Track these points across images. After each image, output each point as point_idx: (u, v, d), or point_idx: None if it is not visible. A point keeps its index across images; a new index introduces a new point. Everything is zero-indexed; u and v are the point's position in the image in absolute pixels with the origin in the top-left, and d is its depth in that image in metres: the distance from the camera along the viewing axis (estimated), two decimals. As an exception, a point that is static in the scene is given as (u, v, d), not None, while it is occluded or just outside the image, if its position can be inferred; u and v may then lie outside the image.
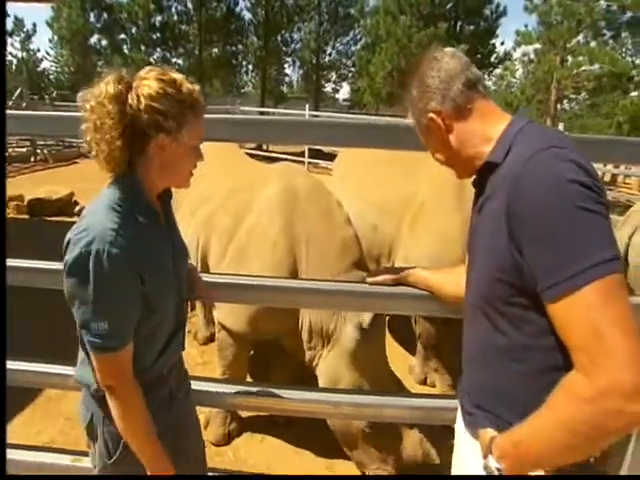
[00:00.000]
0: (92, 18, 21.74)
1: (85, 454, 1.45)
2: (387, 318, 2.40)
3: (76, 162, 10.96)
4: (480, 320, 0.91)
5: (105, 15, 21.41)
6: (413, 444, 1.96)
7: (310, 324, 2.07)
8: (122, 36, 21.56)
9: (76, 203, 6.84)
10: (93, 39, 22.37)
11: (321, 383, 2.06)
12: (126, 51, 21.27)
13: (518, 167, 0.78)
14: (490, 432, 0.85)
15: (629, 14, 16.32)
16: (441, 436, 1.81)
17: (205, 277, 1.39)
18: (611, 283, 0.69)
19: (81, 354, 1.05)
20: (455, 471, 1.07)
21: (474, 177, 0.97)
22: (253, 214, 2.31)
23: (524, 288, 0.79)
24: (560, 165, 0.74)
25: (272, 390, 1.52)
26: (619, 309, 0.69)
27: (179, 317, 1.11)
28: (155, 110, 0.91)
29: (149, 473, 1.00)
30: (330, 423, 2.03)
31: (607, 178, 11.75)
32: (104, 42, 22.22)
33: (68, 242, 0.91)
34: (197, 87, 0.98)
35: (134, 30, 20.96)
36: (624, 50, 16.90)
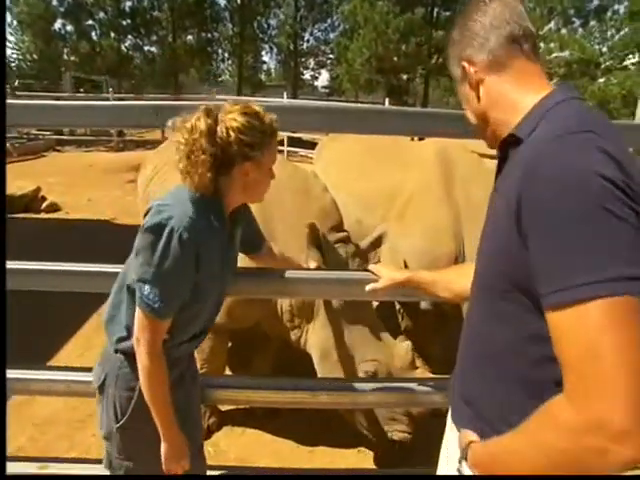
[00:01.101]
0: (55, 2, 20.59)
1: (53, 460, 1.44)
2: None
3: (43, 155, 10.43)
4: (477, 310, 0.86)
5: (69, -1, 20.41)
6: (401, 356, 1.96)
7: (291, 305, 2.07)
8: (89, 22, 20.64)
9: (43, 199, 6.52)
10: (57, 24, 21.26)
11: (315, 357, 2.06)
12: (95, 37, 20.41)
13: (540, 147, 0.67)
14: (470, 435, 0.82)
15: (596, 2, 16.70)
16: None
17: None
18: (623, 305, 0.58)
19: (114, 304, 1.15)
20: (442, 458, 1.05)
21: (497, 151, 0.88)
22: None
23: (521, 284, 0.72)
24: (589, 154, 0.62)
25: (250, 381, 1.53)
26: (627, 338, 0.58)
27: (213, 315, 1.24)
28: (243, 142, 1.03)
29: (162, 437, 1.09)
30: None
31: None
32: (69, 27, 21.18)
33: (150, 208, 1.04)
34: (275, 116, 1.10)
35: (102, 15, 20.12)
36: (592, 38, 17.31)
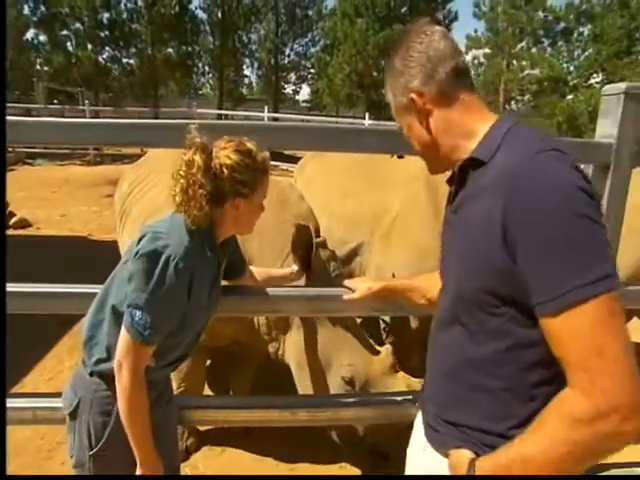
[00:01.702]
0: (27, 11, 20.03)
1: None
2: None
3: (13, 169, 9.98)
4: (455, 331, 0.85)
5: (42, 8, 19.84)
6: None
7: (267, 318, 2.07)
8: (64, 32, 20.28)
9: (12, 214, 6.25)
10: (29, 34, 20.77)
11: (293, 366, 2.05)
12: (70, 49, 20.05)
13: (517, 167, 0.71)
14: (466, 453, 0.81)
15: (562, 24, 17.65)
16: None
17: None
18: (614, 299, 0.66)
19: (94, 324, 1.13)
20: None
21: (451, 174, 0.91)
22: None
23: (511, 298, 0.74)
24: (566, 169, 0.70)
25: (226, 401, 1.51)
26: (619, 327, 0.67)
27: (193, 342, 1.26)
28: (236, 180, 1.07)
29: (138, 462, 1.07)
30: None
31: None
32: (42, 37, 20.71)
33: (144, 234, 1.06)
34: (267, 154, 1.14)
35: (78, 26, 19.83)
36: (561, 57, 18.19)
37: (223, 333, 2.15)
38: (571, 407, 0.67)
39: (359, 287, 1.32)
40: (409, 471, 1.04)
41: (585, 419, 0.65)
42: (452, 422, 0.86)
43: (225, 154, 1.07)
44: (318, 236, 2.21)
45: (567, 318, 0.66)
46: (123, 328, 1.04)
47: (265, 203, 2.32)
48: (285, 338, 2.07)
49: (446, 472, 0.86)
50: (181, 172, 1.06)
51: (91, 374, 1.11)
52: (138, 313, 1.01)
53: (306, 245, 1.74)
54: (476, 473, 0.77)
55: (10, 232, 5.98)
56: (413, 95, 0.85)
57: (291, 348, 2.05)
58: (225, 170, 1.06)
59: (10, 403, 1.27)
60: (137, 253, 1.03)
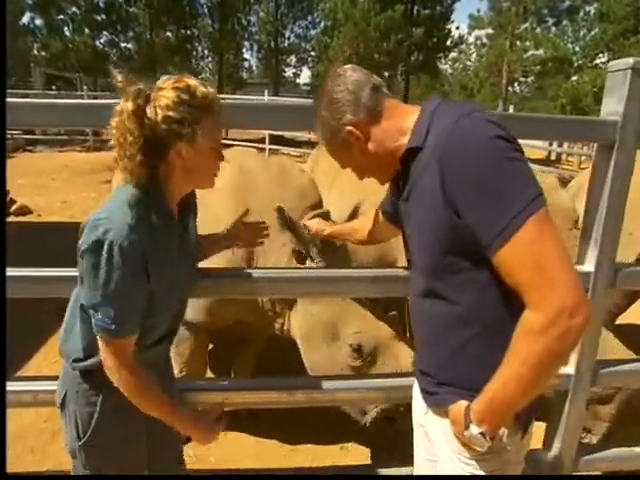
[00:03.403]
0: (22, -7, 19.76)
1: (24, 476, 1.38)
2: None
3: (12, 156, 9.82)
4: (430, 300, 0.94)
5: (37, -10, 19.56)
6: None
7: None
8: (61, 17, 19.92)
9: (12, 201, 6.21)
10: (25, 18, 20.44)
11: (299, 340, 2.03)
12: (67, 33, 19.75)
13: (444, 135, 0.82)
14: (463, 403, 0.88)
15: (567, 2, 17.19)
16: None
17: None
18: (542, 216, 0.76)
19: (68, 325, 1.09)
20: (421, 453, 1.10)
21: (396, 170, 0.99)
22: (205, 203, 2.25)
23: (466, 252, 0.83)
24: (484, 125, 0.81)
25: (226, 384, 1.52)
26: (553, 238, 0.76)
27: (175, 320, 1.17)
28: (172, 119, 0.94)
29: (180, 428, 1.09)
30: (311, 371, 2.00)
31: (553, 156, 12.43)
32: (38, 22, 20.35)
33: (85, 225, 0.96)
34: (212, 90, 1.02)
35: (75, 10, 19.47)
36: (565, 37, 17.81)
37: (225, 314, 2.14)
38: (528, 324, 0.77)
39: (316, 228, 1.57)
40: (415, 434, 1.13)
41: (540, 330, 0.75)
42: (445, 382, 0.94)
43: (162, 94, 0.95)
44: (321, 205, 2.21)
45: (510, 248, 0.76)
46: (97, 335, 0.98)
47: (263, 178, 2.25)
48: (290, 313, 2.05)
49: (443, 434, 0.95)
50: (112, 123, 0.96)
51: (73, 368, 1.07)
52: (99, 312, 0.95)
53: (290, 225, 1.75)
54: (471, 416, 0.85)
55: (11, 219, 5.94)
56: (348, 127, 0.94)
57: (296, 322, 2.03)
58: (160, 111, 0.94)
59: (10, 386, 1.28)
60: (79, 250, 0.95)
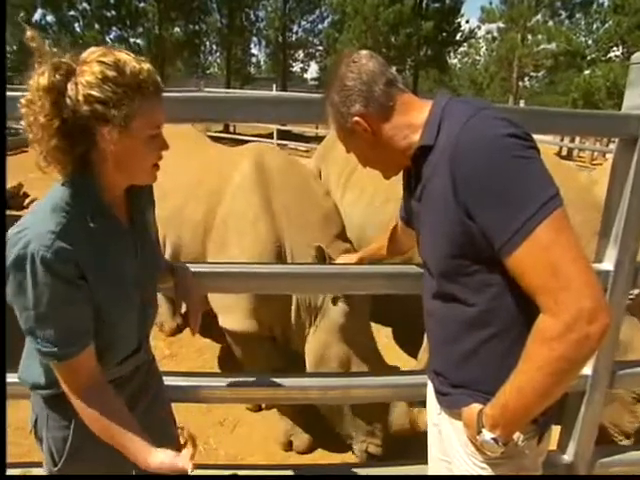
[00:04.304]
0: (33, -10, 19.90)
1: (36, 465, 1.39)
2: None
3: (24, 151, 10.09)
4: (444, 302, 0.92)
5: (49, -13, 19.68)
6: (400, 413, 1.98)
7: (297, 302, 2.06)
8: (72, 13, 20.03)
9: (26, 195, 6.42)
10: (37, 15, 20.51)
11: (309, 361, 2.05)
12: (78, 29, 19.86)
13: (453, 138, 0.80)
14: (476, 407, 0.86)
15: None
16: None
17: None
18: (558, 218, 0.73)
19: (25, 353, 1.00)
20: (436, 452, 1.09)
21: (407, 168, 0.98)
22: (227, 199, 2.23)
23: (479, 255, 0.81)
24: (492, 123, 0.78)
25: (238, 380, 1.51)
26: (567, 241, 0.73)
27: (142, 331, 1.04)
28: (95, 99, 0.79)
29: (143, 464, 0.89)
30: None
31: (564, 152, 12.25)
32: (50, 18, 20.46)
33: (7, 242, 0.83)
34: (147, 66, 0.84)
35: (85, 6, 19.56)
36: (578, 30, 17.47)
37: (266, 320, 2.13)
38: (544, 330, 0.74)
39: (350, 260, 1.54)
40: (429, 434, 1.12)
41: (556, 336, 0.71)
42: (458, 384, 0.92)
43: (85, 68, 0.81)
44: (345, 236, 2.20)
45: (523, 251, 0.73)
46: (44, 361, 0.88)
47: (287, 182, 2.19)
48: (310, 330, 2.05)
49: (457, 436, 0.93)
50: (22, 100, 0.81)
51: (38, 390, 0.98)
52: (37, 336, 0.83)
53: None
54: (483, 420, 0.83)
55: (25, 212, 6.11)
56: (356, 118, 0.91)
57: (313, 342, 2.03)
58: (81, 88, 0.79)
59: (11, 378, 1.26)
60: (4, 270, 0.82)
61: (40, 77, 0.80)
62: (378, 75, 0.91)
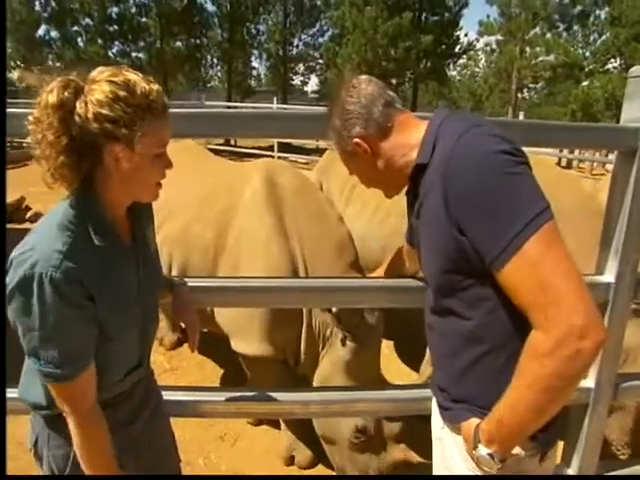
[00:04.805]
0: (38, 7, 20.07)
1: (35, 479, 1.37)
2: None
3: (26, 164, 10.22)
4: (443, 316, 0.94)
5: (53, 4, 19.89)
6: (397, 453, 1.96)
7: (307, 330, 2.04)
8: (75, 28, 20.43)
9: (28, 208, 6.46)
10: (41, 30, 20.93)
11: (315, 383, 2.03)
12: (81, 44, 20.21)
13: (446, 156, 0.81)
14: (474, 421, 0.87)
15: (579, 8, 17.13)
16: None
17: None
18: (548, 232, 0.73)
19: (25, 372, 1.00)
20: (439, 467, 1.07)
21: (409, 188, 0.99)
22: (239, 218, 2.18)
23: (472, 270, 0.82)
24: (484, 140, 0.79)
25: (240, 394, 1.50)
26: (557, 255, 0.73)
27: (144, 346, 1.05)
28: (105, 118, 0.81)
29: None
30: (317, 429, 2.01)
31: (564, 163, 12.30)
32: (54, 33, 20.82)
33: (11, 262, 0.83)
34: (156, 87, 0.87)
35: (88, 22, 19.95)
36: (576, 42, 17.71)
37: (279, 343, 2.10)
38: (535, 345, 0.73)
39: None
40: (434, 448, 1.11)
41: (547, 352, 0.71)
42: (458, 399, 0.93)
43: (95, 87, 0.82)
44: (357, 264, 2.18)
45: (512, 267, 0.74)
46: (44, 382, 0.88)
47: (301, 205, 2.17)
48: (320, 354, 2.03)
49: (458, 450, 0.93)
50: (30, 118, 0.82)
51: (39, 409, 0.98)
52: (40, 357, 0.83)
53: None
54: (480, 435, 0.83)
55: (26, 225, 6.17)
56: (356, 140, 0.95)
57: (320, 369, 2.02)
58: (91, 107, 0.80)
59: (11, 393, 1.23)
60: (7, 290, 0.82)
61: (49, 95, 0.81)
62: (376, 97, 0.94)
